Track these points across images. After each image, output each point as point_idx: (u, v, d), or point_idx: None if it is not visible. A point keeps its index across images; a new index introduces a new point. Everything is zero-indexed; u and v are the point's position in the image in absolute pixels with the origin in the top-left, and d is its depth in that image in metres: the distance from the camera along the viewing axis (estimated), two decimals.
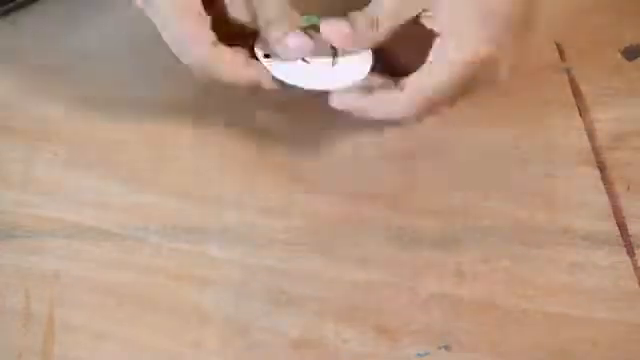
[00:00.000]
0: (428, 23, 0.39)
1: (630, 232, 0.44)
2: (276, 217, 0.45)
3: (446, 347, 0.40)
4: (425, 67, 0.39)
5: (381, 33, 0.40)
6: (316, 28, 0.41)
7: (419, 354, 0.40)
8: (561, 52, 0.51)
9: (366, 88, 0.41)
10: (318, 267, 0.43)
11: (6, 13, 0.54)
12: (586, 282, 0.42)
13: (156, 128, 0.48)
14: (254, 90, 0.42)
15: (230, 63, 0.41)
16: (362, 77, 0.42)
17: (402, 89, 0.40)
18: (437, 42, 0.39)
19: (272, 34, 0.41)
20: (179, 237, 0.44)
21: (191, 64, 0.41)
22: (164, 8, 0.41)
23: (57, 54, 0.52)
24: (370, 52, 0.42)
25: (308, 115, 0.48)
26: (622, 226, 0.44)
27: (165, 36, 0.41)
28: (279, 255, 0.44)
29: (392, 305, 0.42)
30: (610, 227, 0.44)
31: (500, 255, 0.43)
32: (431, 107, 0.40)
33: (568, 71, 0.50)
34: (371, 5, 0.40)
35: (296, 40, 0.40)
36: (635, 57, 0.51)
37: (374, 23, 0.39)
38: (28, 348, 0.41)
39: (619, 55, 0.52)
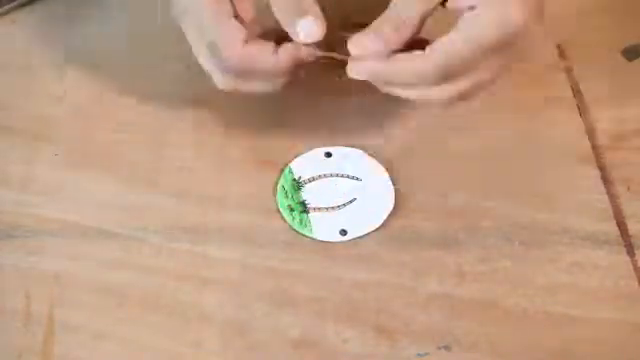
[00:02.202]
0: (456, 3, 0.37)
1: (630, 232, 0.44)
2: (276, 217, 0.45)
3: (446, 347, 0.40)
4: (455, 33, 0.37)
5: (409, 32, 0.37)
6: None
7: (419, 354, 0.40)
8: (561, 52, 0.51)
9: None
10: (318, 267, 0.43)
11: (6, 12, 0.54)
12: (586, 282, 0.42)
13: (156, 128, 0.48)
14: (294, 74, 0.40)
15: (260, 52, 0.39)
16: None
17: (427, 54, 0.37)
18: (471, 13, 0.37)
19: (283, 20, 0.38)
20: (179, 237, 0.44)
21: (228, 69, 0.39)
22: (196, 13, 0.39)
23: (57, 54, 0.52)
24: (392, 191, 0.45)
25: (308, 116, 0.49)
26: (622, 226, 0.44)
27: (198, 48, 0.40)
28: (279, 255, 0.44)
29: (392, 305, 0.42)
30: (610, 227, 0.44)
31: (500, 255, 0.43)
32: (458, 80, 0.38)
33: (568, 71, 0.50)
34: (392, 7, 0.38)
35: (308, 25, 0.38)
36: (635, 57, 0.51)
37: (401, 25, 0.37)
38: (28, 348, 0.41)
39: (619, 55, 0.52)
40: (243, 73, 0.39)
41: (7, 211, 0.46)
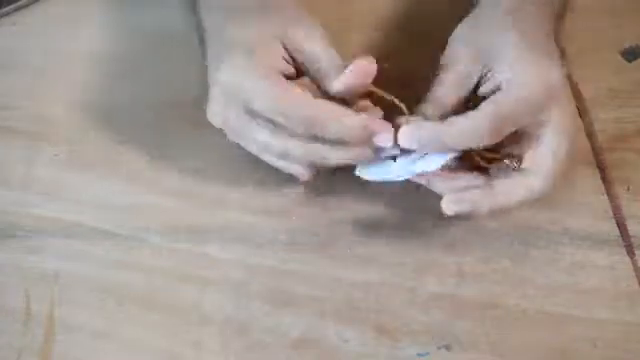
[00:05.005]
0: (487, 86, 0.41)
1: (630, 232, 0.44)
2: (276, 217, 0.45)
3: (446, 347, 0.40)
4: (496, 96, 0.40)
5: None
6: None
7: (419, 354, 0.40)
8: (561, 53, 0.51)
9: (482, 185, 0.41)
10: (318, 267, 0.43)
11: (7, 14, 0.54)
12: (586, 282, 0.42)
13: (156, 128, 0.48)
14: None
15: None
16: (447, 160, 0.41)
17: (479, 109, 0.39)
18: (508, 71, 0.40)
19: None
20: (179, 237, 0.44)
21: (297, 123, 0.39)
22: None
23: (57, 54, 0.52)
24: None
25: None
26: (622, 226, 0.44)
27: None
28: (279, 255, 0.44)
29: (392, 305, 0.42)
30: (610, 227, 0.44)
31: (500, 255, 0.43)
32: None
33: (568, 72, 0.50)
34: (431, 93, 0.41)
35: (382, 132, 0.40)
36: (634, 58, 0.51)
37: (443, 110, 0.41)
38: (28, 348, 0.41)
39: (619, 56, 0.52)
40: (317, 129, 0.39)
41: (7, 211, 0.46)
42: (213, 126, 0.43)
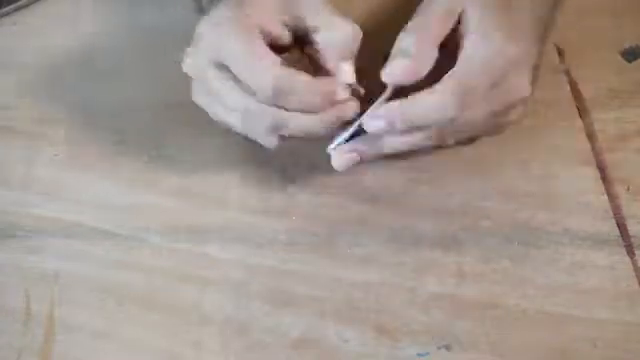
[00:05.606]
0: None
1: (630, 232, 0.44)
2: (276, 217, 0.45)
3: (446, 347, 0.40)
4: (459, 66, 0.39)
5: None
6: None
7: (419, 354, 0.40)
8: (561, 53, 0.51)
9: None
10: (318, 267, 0.43)
11: (7, 14, 0.54)
12: (586, 282, 0.42)
13: (156, 128, 0.48)
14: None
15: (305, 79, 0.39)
16: None
17: (443, 82, 0.38)
18: (469, 41, 0.39)
19: None
20: (179, 237, 0.44)
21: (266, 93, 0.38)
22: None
23: (57, 54, 0.52)
24: None
25: None
26: (622, 226, 0.44)
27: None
28: (279, 255, 0.44)
29: (392, 305, 0.42)
30: (610, 227, 0.44)
31: (500, 255, 0.43)
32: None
33: (568, 72, 0.50)
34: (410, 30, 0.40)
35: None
36: (634, 58, 0.51)
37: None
38: (28, 348, 0.41)
39: (619, 57, 0.52)
40: (280, 99, 0.38)
41: (7, 211, 0.46)
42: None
